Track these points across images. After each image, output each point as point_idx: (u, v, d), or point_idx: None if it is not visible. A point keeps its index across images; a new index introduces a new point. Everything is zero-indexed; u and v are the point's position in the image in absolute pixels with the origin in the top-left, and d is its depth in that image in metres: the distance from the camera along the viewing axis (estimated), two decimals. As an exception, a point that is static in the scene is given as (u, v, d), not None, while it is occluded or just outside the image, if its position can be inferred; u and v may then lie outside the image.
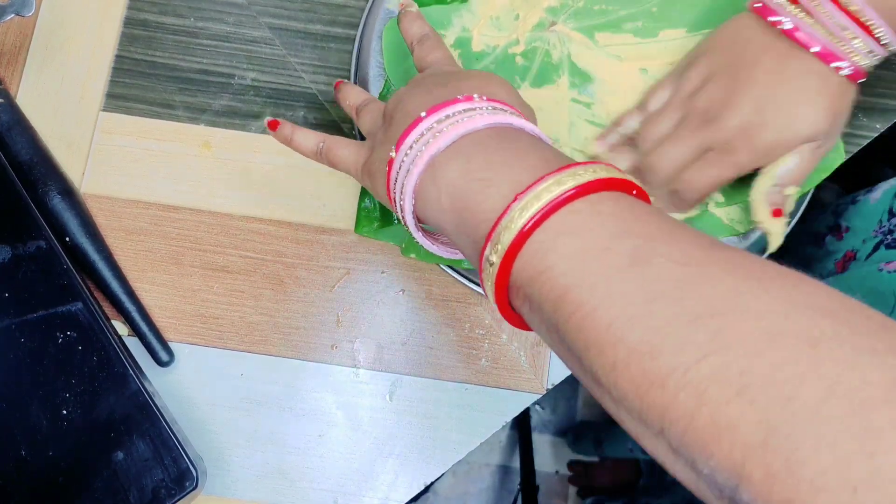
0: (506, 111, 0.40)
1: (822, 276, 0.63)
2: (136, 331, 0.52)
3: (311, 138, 0.47)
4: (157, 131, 0.56)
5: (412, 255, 0.51)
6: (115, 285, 0.52)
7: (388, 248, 0.54)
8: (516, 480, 1.31)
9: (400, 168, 0.40)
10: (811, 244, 0.70)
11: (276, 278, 0.54)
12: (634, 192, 0.35)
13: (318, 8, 0.57)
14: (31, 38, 0.57)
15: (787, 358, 0.26)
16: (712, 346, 0.27)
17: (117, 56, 0.57)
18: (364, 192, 0.53)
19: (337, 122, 0.56)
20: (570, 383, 1.36)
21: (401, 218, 0.41)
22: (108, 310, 0.53)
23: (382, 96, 0.54)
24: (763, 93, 0.45)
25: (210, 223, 0.54)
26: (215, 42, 0.57)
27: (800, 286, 0.29)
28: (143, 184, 0.55)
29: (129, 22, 0.57)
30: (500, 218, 0.34)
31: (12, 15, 0.51)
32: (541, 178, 0.34)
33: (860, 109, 0.56)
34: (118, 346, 0.48)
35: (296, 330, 0.53)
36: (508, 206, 0.34)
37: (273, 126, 0.48)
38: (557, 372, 0.53)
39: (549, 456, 1.34)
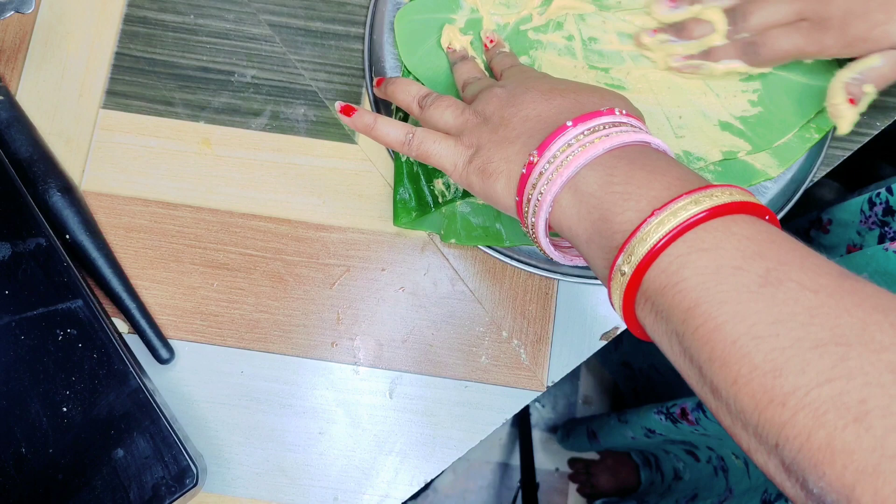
0: (643, 129, 0.41)
1: None
2: (136, 328, 0.52)
3: (397, 129, 0.47)
4: (157, 128, 0.56)
5: (452, 241, 0.52)
6: (115, 283, 0.52)
7: (388, 245, 0.54)
8: (516, 478, 1.32)
9: (541, 174, 0.40)
10: (798, 238, 0.70)
11: (276, 276, 0.54)
12: (767, 217, 0.36)
13: (317, 5, 0.57)
14: (30, 36, 0.57)
15: None
16: (835, 372, 0.28)
17: (117, 53, 0.57)
18: (399, 184, 0.53)
19: (337, 120, 0.56)
20: (570, 381, 1.36)
21: (529, 222, 0.42)
22: (108, 307, 0.53)
23: None
24: None
25: (210, 220, 0.54)
26: (215, 39, 0.57)
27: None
28: (143, 181, 0.55)
29: (128, 19, 0.57)
30: (635, 230, 0.35)
31: (12, 12, 0.51)
32: (679, 196, 0.35)
33: (861, 107, 0.56)
34: (118, 344, 0.48)
35: (296, 327, 0.53)
36: (645, 220, 0.35)
37: (347, 112, 0.48)
38: (557, 370, 0.53)
39: (549, 453, 1.34)
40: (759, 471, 0.69)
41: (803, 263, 0.33)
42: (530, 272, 0.53)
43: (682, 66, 0.53)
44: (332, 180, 0.55)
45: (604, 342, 0.54)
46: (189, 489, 0.46)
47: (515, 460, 1.31)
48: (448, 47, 0.54)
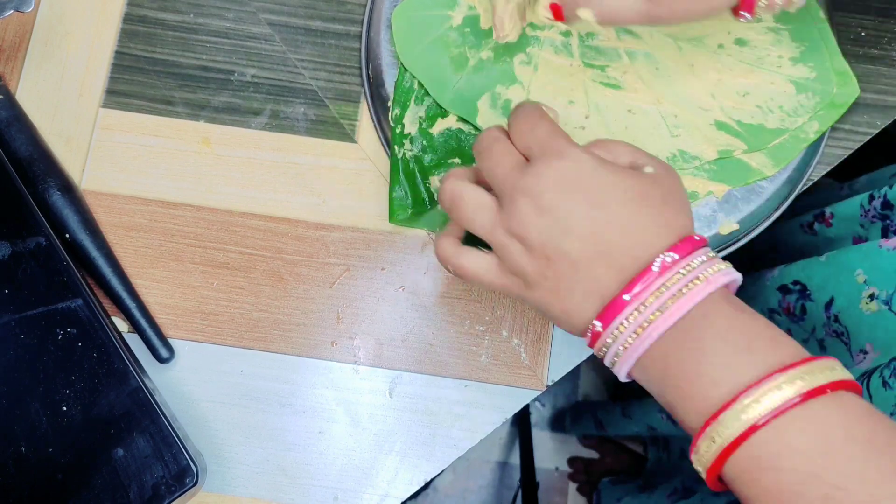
0: (717, 271, 0.38)
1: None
2: (135, 327, 0.52)
3: (447, 251, 0.43)
4: (157, 128, 0.55)
5: None
6: (114, 282, 0.52)
7: (388, 244, 0.54)
8: (516, 477, 1.32)
9: (611, 341, 0.38)
10: (802, 233, 0.70)
11: (275, 275, 0.54)
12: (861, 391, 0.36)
13: (317, 4, 0.57)
14: (30, 35, 0.57)
15: None
16: None
17: (117, 52, 0.57)
18: (394, 181, 0.53)
19: (337, 119, 0.56)
20: (570, 380, 1.36)
21: (607, 361, 0.40)
22: (108, 306, 0.53)
23: (399, 85, 0.54)
24: None
25: (210, 220, 0.54)
26: (215, 38, 0.57)
27: None
28: (143, 180, 0.55)
29: (128, 18, 0.57)
30: (728, 404, 0.35)
31: (12, 11, 0.51)
32: (771, 375, 0.35)
33: (860, 106, 0.56)
34: (118, 343, 0.48)
35: (296, 326, 0.53)
36: (737, 398, 0.35)
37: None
38: (558, 369, 0.53)
39: (549, 452, 1.34)
40: None
41: None
42: None
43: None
44: (332, 179, 0.55)
45: (604, 341, 0.54)
46: (189, 488, 0.46)
47: (515, 459, 1.31)
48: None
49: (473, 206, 0.41)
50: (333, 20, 0.57)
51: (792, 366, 0.35)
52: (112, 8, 0.57)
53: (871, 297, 0.56)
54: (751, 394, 0.34)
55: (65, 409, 0.47)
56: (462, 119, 0.53)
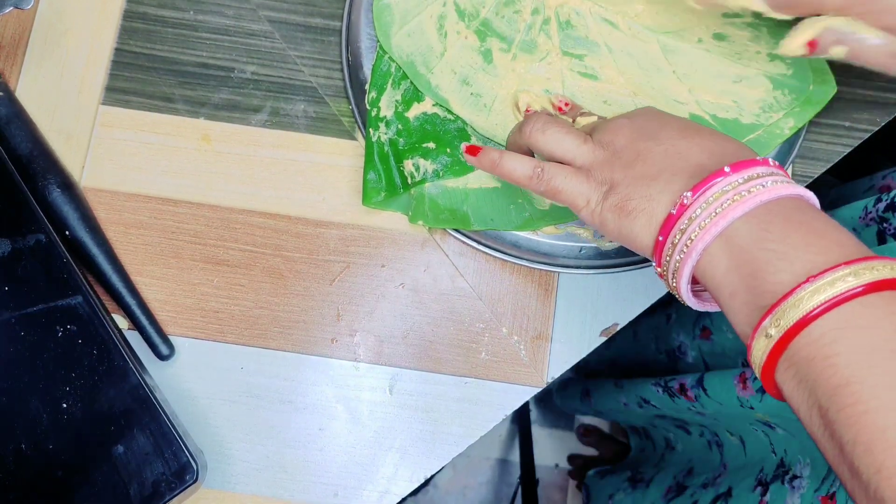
0: (795, 183, 0.39)
1: None
2: (136, 324, 0.52)
3: (524, 164, 0.45)
4: (157, 125, 0.55)
5: (420, 222, 0.52)
6: (114, 279, 0.52)
7: (388, 242, 0.54)
8: (516, 474, 1.32)
9: (692, 219, 0.38)
10: None
11: (275, 272, 0.54)
12: None
13: (317, 1, 0.57)
14: (30, 32, 0.57)
15: None
16: None
17: (117, 49, 0.57)
18: (369, 164, 0.53)
19: (337, 116, 0.56)
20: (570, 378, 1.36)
21: (671, 267, 0.40)
22: (108, 303, 0.53)
23: (376, 68, 0.54)
24: None
25: (210, 217, 0.54)
26: (215, 35, 0.57)
27: None
28: (143, 177, 0.55)
29: (128, 15, 0.57)
30: (788, 294, 0.34)
31: (11, 8, 0.51)
32: (837, 266, 0.34)
33: (861, 103, 0.56)
34: (118, 340, 0.48)
35: (296, 324, 0.53)
36: (800, 285, 0.34)
37: (472, 152, 0.47)
38: (557, 366, 0.53)
39: (548, 449, 1.34)
40: (755, 448, 0.69)
41: None
42: (531, 267, 0.53)
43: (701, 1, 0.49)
44: (332, 176, 0.55)
45: (603, 338, 0.54)
46: (189, 485, 0.46)
47: (515, 456, 1.32)
48: (526, 109, 0.52)
49: (562, 128, 0.44)
50: (333, 17, 0.57)
51: (856, 261, 0.34)
52: (112, 5, 0.57)
53: None
54: (811, 283, 0.34)
55: (65, 406, 0.47)
56: (438, 104, 0.53)
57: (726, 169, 0.38)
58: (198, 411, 0.52)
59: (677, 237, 0.39)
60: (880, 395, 0.31)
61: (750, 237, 0.37)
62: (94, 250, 0.52)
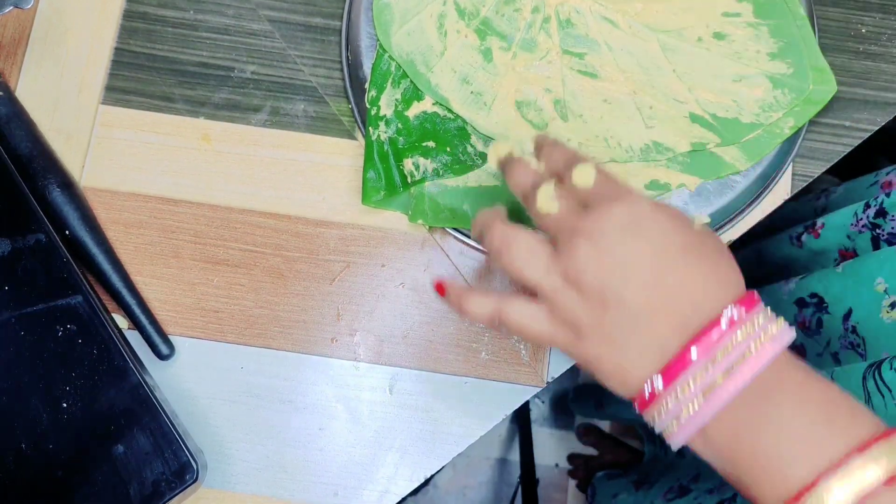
0: (782, 320, 0.36)
1: (811, 272, 0.62)
2: (136, 324, 0.52)
3: (484, 307, 0.40)
4: (157, 124, 0.55)
5: (420, 221, 0.52)
6: (114, 278, 0.52)
7: (388, 241, 0.54)
8: (516, 473, 1.32)
9: (664, 408, 0.35)
10: (789, 244, 0.70)
11: (275, 272, 0.54)
12: None
13: (317, 1, 0.57)
14: (30, 31, 0.56)
15: None
16: None
17: (117, 49, 0.57)
18: (368, 163, 0.53)
19: (337, 116, 0.56)
20: (570, 377, 1.36)
21: (659, 426, 0.37)
22: (108, 303, 0.53)
23: (376, 67, 0.54)
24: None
25: (210, 216, 0.54)
26: (215, 35, 0.57)
27: None
28: (143, 177, 0.55)
29: (128, 15, 0.57)
30: (802, 492, 0.32)
31: (11, 7, 0.51)
32: (851, 454, 0.32)
33: (861, 102, 0.56)
34: (118, 340, 0.48)
35: (296, 323, 0.53)
36: (817, 480, 0.32)
37: (440, 290, 0.42)
38: (557, 366, 0.53)
39: (548, 449, 1.34)
40: None
41: None
42: None
43: None
44: (332, 176, 0.55)
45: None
46: (189, 485, 0.46)
47: (515, 456, 1.32)
48: (501, 161, 0.45)
49: (527, 249, 0.39)
50: (333, 17, 0.57)
51: (874, 440, 0.32)
52: (112, 4, 0.57)
53: (893, 305, 0.55)
54: (834, 474, 0.32)
55: (65, 405, 0.47)
56: (438, 103, 0.53)
57: (693, 353, 0.34)
58: (198, 411, 0.52)
59: (653, 418, 0.36)
60: None
61: (754, 420, 0.34)
62: (94, 250, 0.52)
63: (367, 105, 0.54)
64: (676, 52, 0.53)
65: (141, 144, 0.55)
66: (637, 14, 0.54)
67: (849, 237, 0.63)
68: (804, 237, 0.68)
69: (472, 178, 0.53)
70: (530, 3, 0.54)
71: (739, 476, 0.35)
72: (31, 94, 0.56)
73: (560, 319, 0.38)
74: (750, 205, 0.54)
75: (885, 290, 0.56)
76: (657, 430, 0.37)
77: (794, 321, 0.65)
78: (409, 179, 0.53)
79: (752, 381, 0.34)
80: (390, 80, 0.54)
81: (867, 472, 0.31)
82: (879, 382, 0.51)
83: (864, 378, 0.53)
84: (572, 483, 1.33)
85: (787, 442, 0.33)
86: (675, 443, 0.36)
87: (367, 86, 0.54)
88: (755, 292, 0.36)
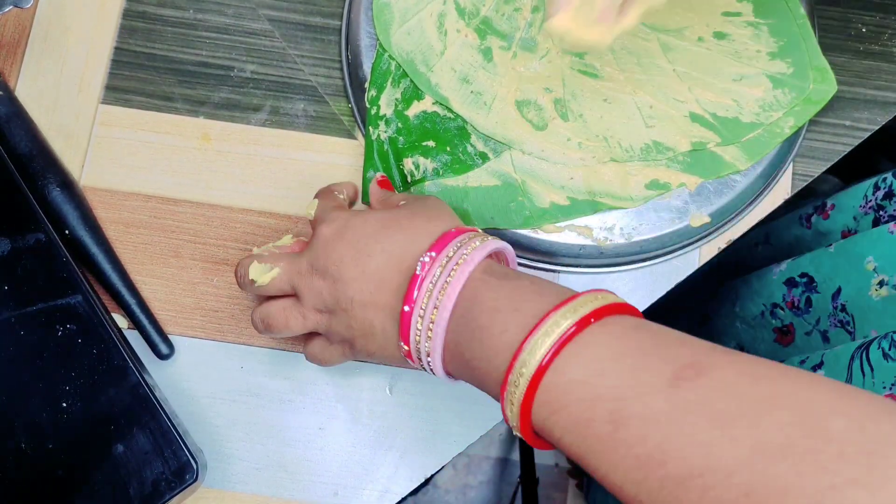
0: (479, 240, 0.41)
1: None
2: (135, 324, 0.52)
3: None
4: (157, 124, 0.55)
5: None
6: (114, 278, 0.52)
7: (388, 240, 0.54)
8: (516, 473, 1.32)
9: (420, 324, 0.41)
10: (798, 225, 0.70)
11: (275, 271, 0.53)
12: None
13: (317, 0, 0.57)
14: (29, 31, 0.56)
15: None
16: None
17: (116, 48, 0.57)
18: (369, 162, 0.53)
19: (337, 115, 0.56)
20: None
21: (428, 369, 0.42)
22: (108, 302, 0.53)
23: (376, 66, 0.54)
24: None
25: (210, 216, 0.54)
26: (215, 34, 0.57)
27: (765, 419, 0.31)
28: (143, 176, 0.55)
29: (127, 14, 0.57)
30: (506, 374, 0.37)
31: (11, 7, 0.51)
32: (536, 325, 0.36)
33: (861, 102, 0.55)
34: (118, 339, 0.48)
35: (296, 323, 0.53)
36: (514, 358, 0.37)
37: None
38: (557, 365, 0.53)
39: (548, 449, 1.34)
40: None
41: (643, 389, 0.34)
42: (532, 266, 0.53)
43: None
44: (332, 176, 0.55)
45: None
46: (189, 485, 0.46)
47: (515, 456, 1.31)
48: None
49: (280, 314, 0.45)
50: (333, 16, 0.57)
51: (556, 308, 0.37)
52: (111, 4, 0.57)
53: (881, 283, 0.55)
54: (525, 347, 0.36)
55: (64, 405, 0.47)
56: (438, 102, 0.53)
57: (406, 309, 0.40)
58: (197, 411, 0.52)
59: (420, 365, 0.42)
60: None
61: (465, 335, 0.40)
62: (94, 249, 0.52)
63: (367, 104, 0.54)
64: (677, 52, 0.53)
65: (140, 144, 0.55)
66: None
67: (855, 218, 0.63)
68: (813, 218, 0.68)
69: (472, 178, 0.53)
70: (530, 2, 0.54)
71: (477, 386, 0.41)
72: (31, 94, 0.56)
73: (335, 340, 0.45)
74: (750, 204, 0.54)
75: (874, 269, 0.56)
76: (432, 374, 0.42)
77: (782, 300, 0.65)
78: (409, 179, 0.53)
79: (458, 305, 0.40)
80: (390, 80, 0.54)
81: (551, 337, 0.36)
82: (864, 363, 0.52)
83: (852, 359, 0.53)
84: (572, 483, 1.33)
85: (489, 339, 0.38)
86: (444, 380, 0.42)
87: (366, 85, 0.54)
88: (454, 228, 0.42)
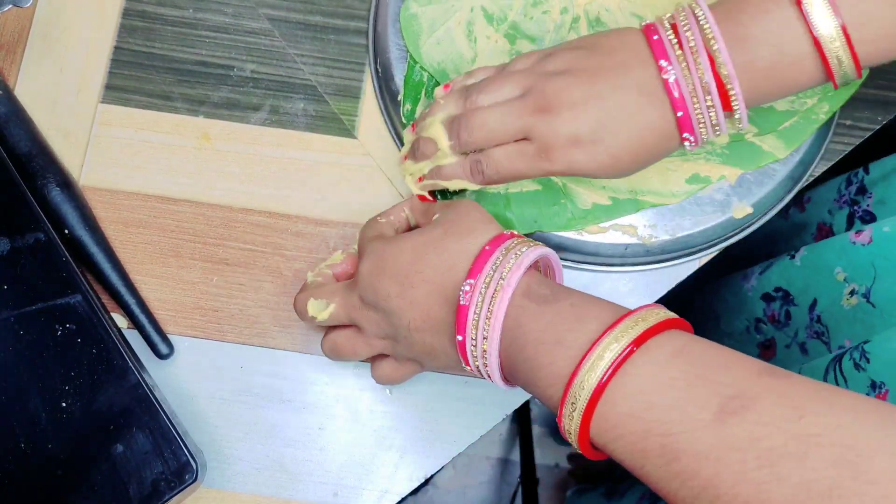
0: (514, 257, 0.41)
1: (796, 249, 0.63)
2: (135, 323, 0.52)
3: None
4: (156, 123, 0.55)
5: None
6: (114, 278, 0.52)
7: (388, 240, 0.54)
8: (516, 473, 1.32)
9: (475, 351, 0.42)
10: (777, 218, 0.70)
11: (275, 271, 0.53)
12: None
13: (317, -1, 0.57)
14: (29, 30, 0.56)
15: None
16: None
17: (116, 47, 0.56)
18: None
19: (337, 115, 0.55)
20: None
21: (488, 377, 0.43)
22: (108, 302, 0.52)
23: (408, 79, 0.54)
24: (607, 121, 0.43)
25: (209, 215, 0.54)
26: (214, 33, 0.57)
27: (810, 457, 0.31)
28: (142, 176, 0.55)
29: (127, 13, 0.57)
30: (562, 400, 0.38)
31: (10, 6, 0.51)
32: (583, 358, 0.37)
33: (861, 101, 0.55)
34: (117, 339, 0.48)
35: (296, 322, 0.53)
36: (569, 385, 0.37)
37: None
38: (558, 365, 0.53)
39: (548, 449, 1.34)
40: None
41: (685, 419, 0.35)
42: (577, 267, 0.53)
43: (420, 188, 0.49)
44: (332, 175, 0.55)
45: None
46: (188, 485, 0.46)
47: (515, 456, 1.31)
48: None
49: (347, 344, 0.47)
50: (333, 15, 0.57)
51: (599, 339, 0.37)
52: (111, 3, 0.57)
53: (852, 292, 0.56)
54: (574, 382, 0.37)
55: (64, 405, 0.47)
56: None
57: (459, 338, 0.42)
58: (197, 410, 0.52)
59: (476, 370, 0.43)
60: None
61: (517, 362, 0.41)
62: (94, 249, 0.52)
63: (403, 119, 0.53)
64: None
65: (140, 143, 0.55)
66: (666, 8, 0.54)
67: (829, 212, 0.63)
68: (791, 210, 0.68)
69: (513, 185, 0.51)
70: (559, 3, 0.54)
71: (538, 396, 0.41)
72: (30, 93, 0.55)
73: (402, 359, 0.47)
74: (791, 191, 0.53)
75: (844, 279, 0.56)
76: (487, 378, 0.43)
77: (763, 315, 0.65)
78: (448, 190, 0.50)
79: (503, 333, 0.41)
80: (423, 91, 0.54)
81: (616, 345, 0.36)
82: (839, 374, 0.52)
83: (827, 371, 0.54)
84: (573, 483, 1.33)
85: (540, 370, 0.39)
86: (499, 385, 0.43)
87: (400, 98, 0.54)
88: (485, 251, 0.42)
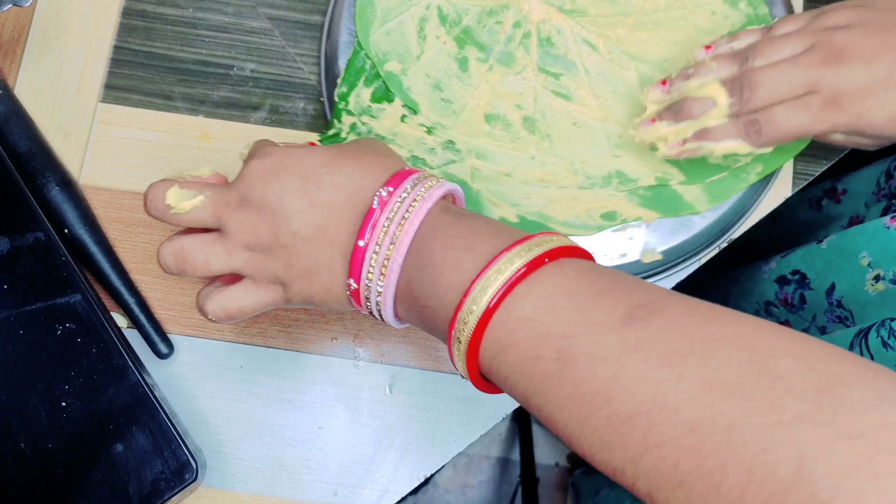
0: (435, 180, 0.40)
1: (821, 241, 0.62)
2: (135, 323, 0.52)
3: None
4: (156, 122, 0.55)
5: None
6: (114, 277, 0.52)
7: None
8: (516, 472, 1.32)
9: (374, 261, 0.39)
10: (808, 208, 0.69)
11: (275, 270, 0.53)
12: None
13: (317, -2, 0.57)
14: (28, 29, 0.56)
15: (710, 449, 0.28)
16: (647, 443, 0.30)
17: (115, 47, 0.56)
18: None
19: (336, 114, 0.55)
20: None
21: (377, 315, 0.41)
22: (108, 302, 0.52)
23: (351, 63, 0.54)
24: None
25: (209, 215, 0.54)
26: (214, 33, 0.57)
27: (715, 357, 0.30)
28: (142, 175, 0.55)
29: (127, 12, 0.57)
30: (455, 312, 0.36)
31: (10, 5, 0.51)
32: (489, 264, 0.36)
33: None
34: (117, 339, 0.48)
35: (295, 322, 0.53)
36: (465, 295, 0.36)
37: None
38: (558, 364, 0.53)
39: (548, 448, 1.34)
40: None
41: (588, 328, 0.34)
42: None
43: (678, 153, 0.48)
44: (332, 175, 0.55)
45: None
46: (188, 484, 0.46)
47: (515, 455, 1.31)
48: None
49: (199, 249, 0.41)
50: (333, 15, 0.57)
51: (510, 247, 0.36)
52: (111, 2, 0.57)
53: (877, 278, 0.55)
54: (476, 284, 0.35)
55: (64, 404, 0.47)
56: (407, 106, 0.53)
57: (361, 243, 0.39)
58: (197, 410, 0.52)
59: (368, 306, 0.41)
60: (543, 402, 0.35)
61: (418, 272, 0.39)
62: (94, 248, 0.52)
63: (336, 99, 0.53)
64: (652, 84, 0.52)
65: (140, 142, 0.55)
66: (619, 40, 0.54)
67: (866, 205, 0.62)
68: (824, 202, 0.67)
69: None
70: (513, 17, 0.54)
71: (426, 328, 0.40)
72: (30, 92, 0.55)
73: (263, 282, 0.41)
74: (704, 248, 0.53)
75: (868, 264, 0.56)
76: (377, 317, 0.41)
77: (775, 298, 0.64)
78: None
79: (413, 242, 0.38)
80: (363, 78, 0.54)
81: (503, 275, 0.35)
82: (864, 350, 0.52)
83: (851, 346, 0.53)
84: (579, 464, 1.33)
85: (441, 276, 0.37)
86: (389, 321, 0.41)
87: (339, 80, 0.54)
88: (405, 170, 0.40)
